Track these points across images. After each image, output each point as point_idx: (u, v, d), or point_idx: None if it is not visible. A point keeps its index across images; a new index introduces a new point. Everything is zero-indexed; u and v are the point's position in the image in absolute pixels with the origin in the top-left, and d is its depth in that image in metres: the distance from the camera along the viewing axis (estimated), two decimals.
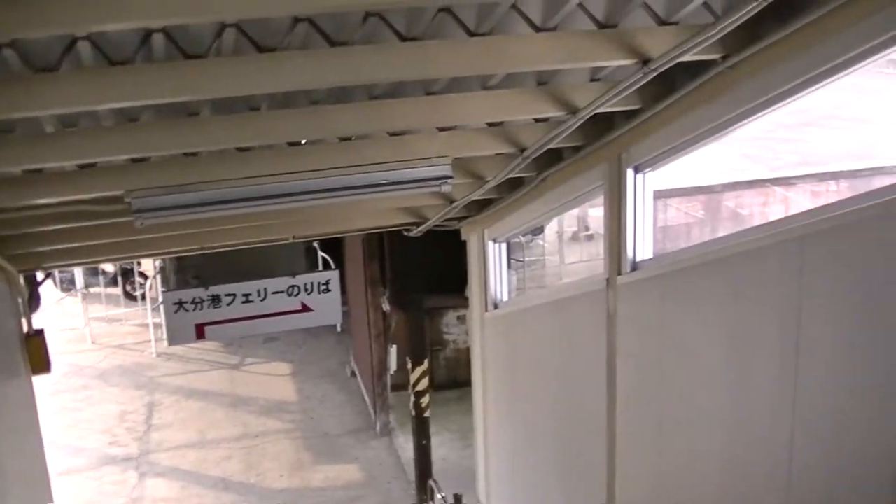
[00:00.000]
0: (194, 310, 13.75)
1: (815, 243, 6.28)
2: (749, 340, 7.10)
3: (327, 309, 14.45)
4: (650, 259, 8.95)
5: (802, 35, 5.95)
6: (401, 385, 18.44)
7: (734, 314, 7.31)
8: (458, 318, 20.96)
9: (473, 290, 14.56)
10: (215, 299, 13.79)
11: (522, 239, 23.75)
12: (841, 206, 6.26)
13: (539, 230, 25.44)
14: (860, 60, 5.78)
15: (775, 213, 22.37)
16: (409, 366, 15.82)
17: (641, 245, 8.93)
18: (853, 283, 5.94)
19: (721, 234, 20.22)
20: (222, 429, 20.52)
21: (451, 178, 8.59)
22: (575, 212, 25.29)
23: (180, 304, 13.71)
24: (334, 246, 21.85)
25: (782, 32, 6.04)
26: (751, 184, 23.37)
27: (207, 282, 13.98)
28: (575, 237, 27.86)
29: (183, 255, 14.17)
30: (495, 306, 13.87)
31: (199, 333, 13.95)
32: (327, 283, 14.25)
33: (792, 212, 19.51)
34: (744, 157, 22.96)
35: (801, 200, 22.31)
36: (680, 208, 23.19)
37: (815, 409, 6.41)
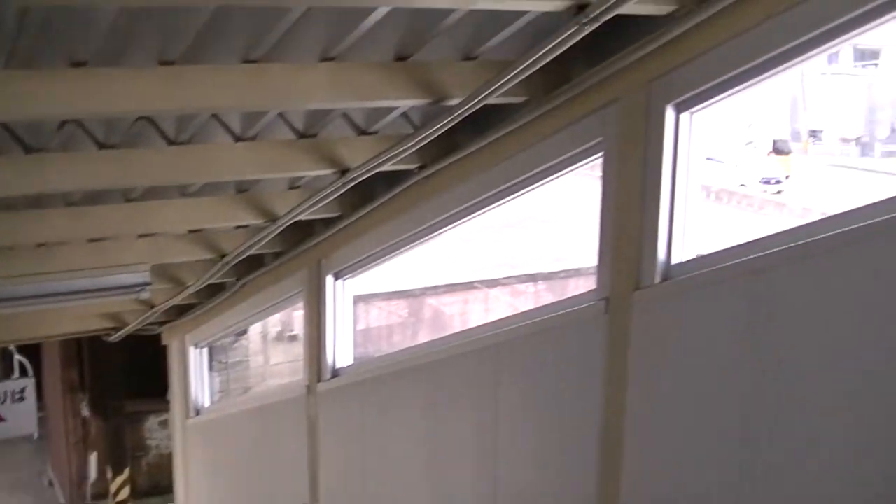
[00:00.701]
0: None
1: (509, 350, 6.45)
2: (449, 444, 7.21)
3: (22, 418, 13.99)
4: (350, 365, 8.99)
5: (497, 147, 6.15)
6: (102, 494, 17.90)
7: (433, 419, 7.41)
8: (161, 422, 20.47)
9: (175, 396, 14.30)
10: None
11: (226, 340, 23.52)
12: (532, 315, 6.48)
13: (243, 331, 25.26)
14: (553, 172, 6.01)
15: (477, 313, 22.83)
16: (110, 474, 15.42)
17: (342, 351, 8.97)
18: (544, 387, 6.13)
19: (424, 334, 20.49)
20: None
21: (149, 284, 8.50)
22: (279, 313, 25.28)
23: None
24: (32, 348, 21.12)
25: (477, 144, 6.22)
26: (453, 286, 23.85)
27: None
28: (280, 337, 27.77)
29: None
30: (197, 412, 13.66)
31: None
32: (22, 391, 13.82)
33: (493, 312, 19.94)
34: (448, 258, 23.40)
35: (503, 300, 22.82)
36: (384, 308, 23.44)
37: None
